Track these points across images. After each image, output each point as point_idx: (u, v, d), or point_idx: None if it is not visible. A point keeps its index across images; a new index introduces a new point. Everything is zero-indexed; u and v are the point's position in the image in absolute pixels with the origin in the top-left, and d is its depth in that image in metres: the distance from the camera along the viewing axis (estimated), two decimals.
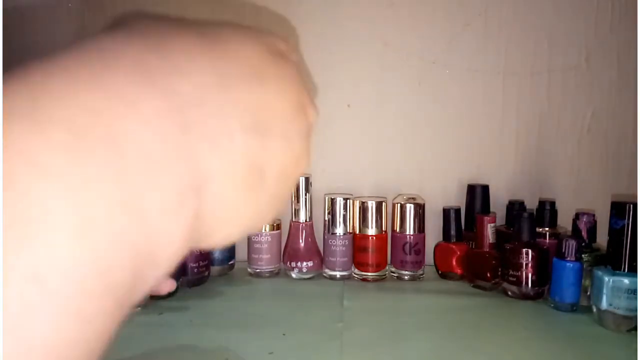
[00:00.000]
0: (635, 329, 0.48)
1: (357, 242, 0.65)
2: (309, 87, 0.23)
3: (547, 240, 0.61)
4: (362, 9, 0.69)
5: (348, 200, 0.65)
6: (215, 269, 0.63)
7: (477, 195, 0.68)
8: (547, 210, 0.64)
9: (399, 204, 0.65)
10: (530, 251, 0.57)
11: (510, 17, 0.70)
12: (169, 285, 0.37)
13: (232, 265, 0.65)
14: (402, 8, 0.69)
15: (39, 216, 0.13)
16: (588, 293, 0.54)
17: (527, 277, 0.57)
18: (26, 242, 0.13)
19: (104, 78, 0.16)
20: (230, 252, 0.65)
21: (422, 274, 0.65)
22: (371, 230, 0.64)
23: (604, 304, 0.49)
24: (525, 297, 0.57)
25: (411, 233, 0.64)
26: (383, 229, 0.65)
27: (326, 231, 0.65)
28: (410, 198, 0.65)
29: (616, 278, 0.49)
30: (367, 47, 0.69)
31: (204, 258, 0.59)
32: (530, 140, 0.72)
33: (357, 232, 0.65)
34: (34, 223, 0.13)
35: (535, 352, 0.45)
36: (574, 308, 0.54)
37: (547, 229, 0.63)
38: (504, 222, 0.67)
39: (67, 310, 0.13)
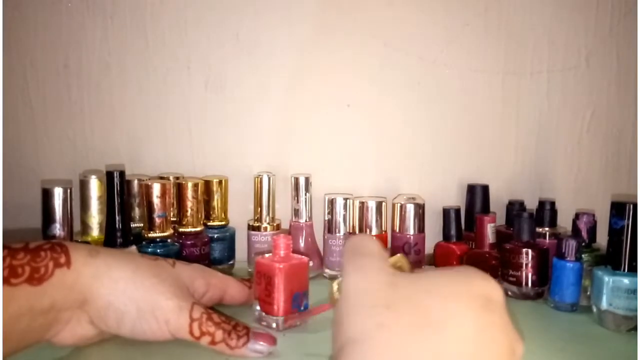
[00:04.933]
0: (635, 329, 0.48)
1: None
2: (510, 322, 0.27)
3: (547, 240, 0.61)
4: (362, 9, 0.69)
5: (348, 200, 0.65)
6: (215, 269, 0.63)
7: (477, 195, 0.68)
8: (547, 210, 0.64)
9: (399, 204, 0.65)
10: (530, 251, 0.57)
11: (510, 17, 0.70)
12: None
13: (232, 265, 0.65)
14: (402, 8, 0.69)
15: None
16: (588, 293, 0.54)
17: (527, 277, 0.57)
18: None
19: None
20: (230, 251, 0.65)
21: None
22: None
23: (604, 304, 0.49)
24: (525, 297, 0.57)
25: (411, 233, 0.64)
26: (383, 229, 0.64)
27: (326, 231, 0.65)
28: (410, 198, 0.65)
29: (616, 278, 0.49)
30: (367, 47, 0.69)
31: (204, 258, 0.59)
32: (530, 140, 0.72)
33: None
34: None
35: (535, 352, 0.45)
36: (574, 308, 0.54)
37: (547, 229, 0.63)
38: (504, 222, 0.68)
39: None
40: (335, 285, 0.37)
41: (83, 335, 0.40)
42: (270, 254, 0.48)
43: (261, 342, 0.41)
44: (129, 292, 0.39)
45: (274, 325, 0.46)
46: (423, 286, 0.27)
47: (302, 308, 0.47)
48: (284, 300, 0.46)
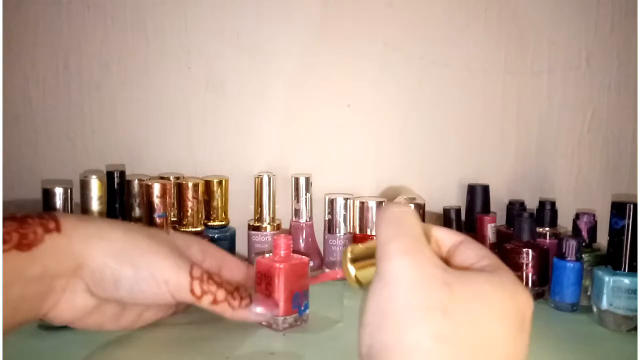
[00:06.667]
0: (636, 329, 0.48)
1: (357, 242, 0.65)
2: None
3: (547, 240, 0.61)
4: (362, 9, 0.69)
5: (348, 200, 0.65)
6: None
7: (477, 195, 0.68)
8: (547, 210, 0.64)
9: None
10: (530, 251, 0.57)
11: (510, 17, 0.70)
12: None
13: None
14: (402, 8, 0.69)
15: None
16: (588, 293, 0.54)
17: (527, 277, 0.57)
18: None
19: None
20: (230, 251, 0.64)
21: None
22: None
23: (604, 304, 0.49)
24: None
25: None
26: None
27: (326, 231, 0.65)
28: (410, 198, 0.65)
29: (616, 278, 0.49)
30: (367, 47, 0.69)
31: None
32: (530, 140, 0.72)
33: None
34: None
35: (534, 352, 0.45)
36: (574, 308, 0.54)
37: (547, 229, 0.63)
38: (504, 222, 0.68)
39: None
40: (348, 254, 0.31)
41: (81, 306, 0.38)
42: (271, 254, 0.48)
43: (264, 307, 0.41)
44: (125, 253, 0.38)
45: (274, 325, 0.46)
46: (475, 294, 0.25)
47: (302, 308, 0.47)
48: (284, 300, 0.46)
